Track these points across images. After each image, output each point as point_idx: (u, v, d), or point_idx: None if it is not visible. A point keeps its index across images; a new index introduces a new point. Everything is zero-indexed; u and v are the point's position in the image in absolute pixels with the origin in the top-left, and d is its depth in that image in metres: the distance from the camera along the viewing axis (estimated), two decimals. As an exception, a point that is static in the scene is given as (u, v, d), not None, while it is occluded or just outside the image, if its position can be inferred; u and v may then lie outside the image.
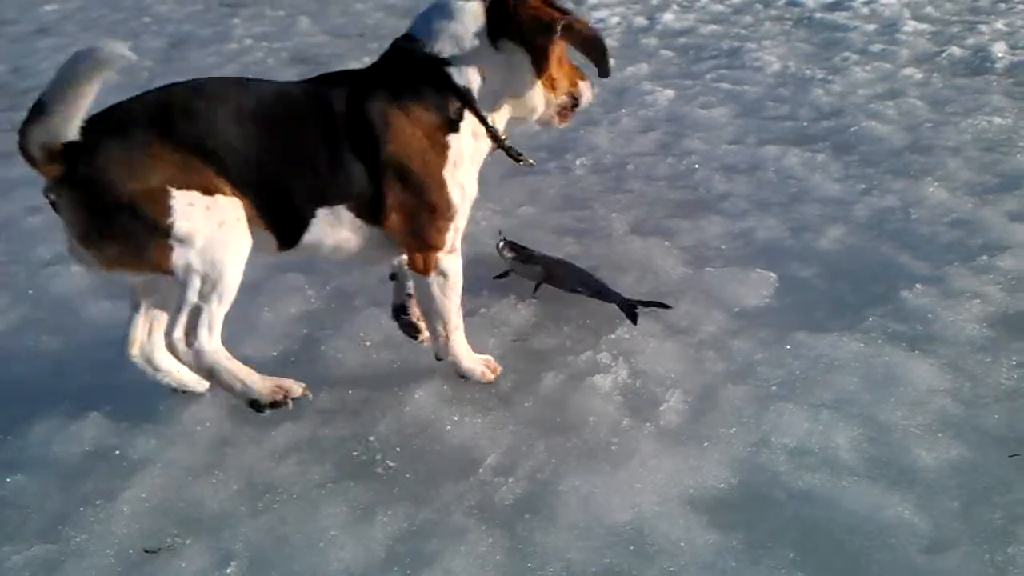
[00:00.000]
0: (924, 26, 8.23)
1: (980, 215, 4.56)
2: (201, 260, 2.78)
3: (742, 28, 8.69)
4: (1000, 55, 7.16)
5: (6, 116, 7.46)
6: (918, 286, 3.88)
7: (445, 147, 2.97)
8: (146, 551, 2.71)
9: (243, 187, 2.85)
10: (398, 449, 3.07)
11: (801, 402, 3.20)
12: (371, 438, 3.12)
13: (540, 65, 3.04)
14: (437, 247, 3.06)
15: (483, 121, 3.06)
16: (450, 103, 2.98)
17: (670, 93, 6.82)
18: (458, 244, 3.15)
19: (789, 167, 5.34)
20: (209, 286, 2.81)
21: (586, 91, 3.37)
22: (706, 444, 3.04)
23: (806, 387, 3.30)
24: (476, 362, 3.37)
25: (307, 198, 2.93)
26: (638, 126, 6.27)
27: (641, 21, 9.15)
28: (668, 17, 9.16)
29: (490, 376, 3.37)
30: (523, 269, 4.06)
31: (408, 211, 2.98)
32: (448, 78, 2.97)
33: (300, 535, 2.73)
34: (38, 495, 2.93)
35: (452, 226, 3.06)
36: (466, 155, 3.04)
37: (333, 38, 9.49)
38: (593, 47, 3.05)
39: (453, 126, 2.99)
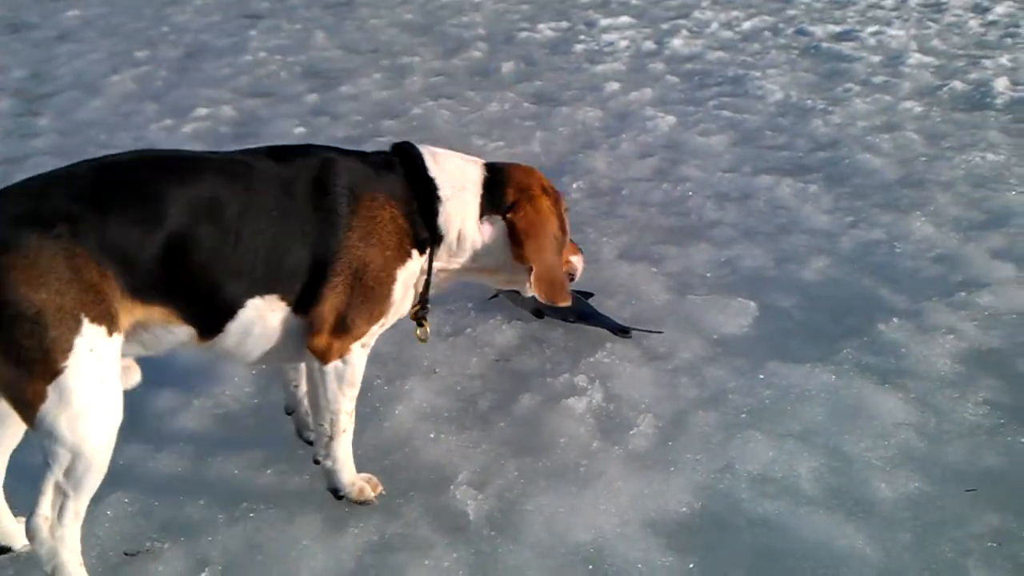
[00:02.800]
0: (929, 59, 8.31)
1: (963, 251, 4.64)
2: (71, 431, 2.31)
3: (749, 55, 8.78)
4: (1001, 91, 7.22)
5: (24, 121, 7.65)
6: (894, 319, 3.96)
7: (407, 255, 2.80)
8: (126, 554, 2.85)
9: (160, 295, 2.49)
10: (374, 463, 3.17)
11: (768, 431, 3.30)
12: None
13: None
14: (355, 337, 2.76)
15: (428, 276, 2.91)
16: (423, 230, 2.83)
17: (671, 119, 6.92)
18: (372, 343, 2.89)
19: (781, 197, 5.44)
20: (80, 467, 2.36)
21: (579, 263, 3.29)
22: (672, 469, 3.13)
23: (775, 416, 3.39)
24: (357, 478, 3.01)
25: (242, 286, 2.58)
26: (637, 151, 6.37)
27: (650, 45, 9.26)
28: (677, 42, 9.27)
29: (369, 495, 3.00)
30: (514, 297, 4.17)
31: (346, 299, 2.69)
32: (434, 214, 2.84)
33: (274, 544, 2.85)
34: (27, 496, 3.03)
35: (381, 321, 2.82)
36: (416, 278, 2.88)
37: (347, 53, 9.63)
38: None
39: (420, 245, 2.83)
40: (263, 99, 8.02)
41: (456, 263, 2.97)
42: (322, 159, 2.74)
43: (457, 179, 2.89)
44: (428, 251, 2.87)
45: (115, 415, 2.42)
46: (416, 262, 2.84)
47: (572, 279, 3.25)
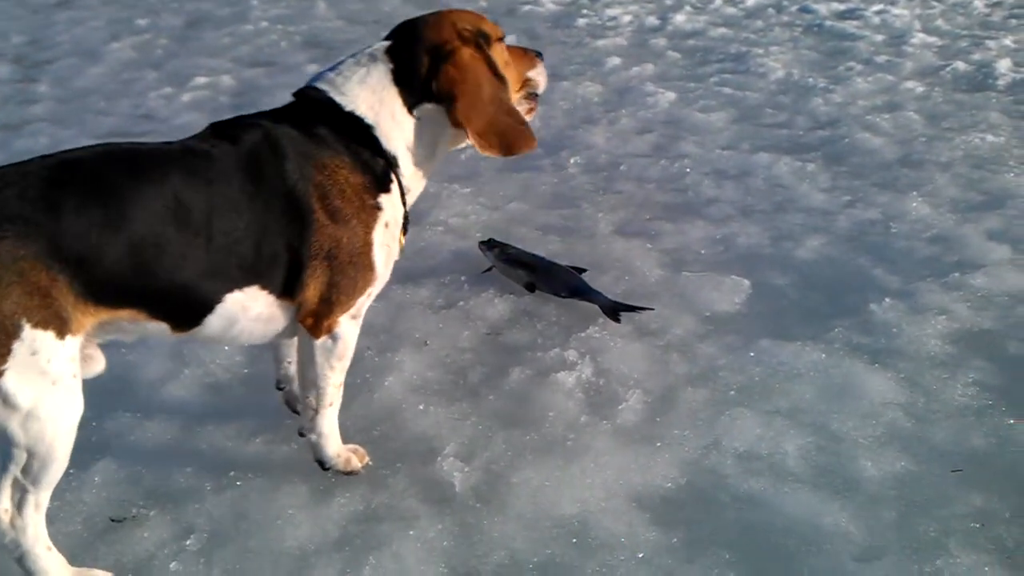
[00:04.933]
0: (932, 39, 8.27)
1: (959, 232, 4.62)
2: (24, 431, 2.27)
3: (752, 33, 8.74)
4: (1004, 72, 7.18)
5: (22, 87, 7.62)
6: (887, 300, 3.96)
7: (377, 208, 2.67)
8: (112, 520, 2.85)
9: (124, 300, 2.39)
10: (363, 434, 3.18)
11: (756, 408, 3.30)
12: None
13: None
14: (344, 310, 2.70)
15: (402, 191, 2.75)
16: (376, 161, 2.67)
17: (671, 95, 6.89)
18: (364, 312, 2.81)
19: (778, 175, 5.42)
20: (36, 464, 2.33)
21: (540, 77, 2.96)
22: (658, 444, 3.14)
23: (763, 394, 3.40)
24: (343, 449, 3.01)
25: (217, 284, 2.49)
26: (636, 127, 6.35)
27: (653, 21, 9.22)
28: (680, 18, 9.22)
29: (356, 465, 3.01)
30: (508, 271, 4.18)
31: (327, 279, 2.62)
32: (376, 142, 2.66)
33: (260, 512, 2.86)
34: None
35: (368, 291, 2.73)
36: (396, 215, 2.75)
37: (348, 23, 9.58)
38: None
39: (383, 185, 2.68)
40: (263, 68, 7.97)
41: (422, 160, 2.78)
42: (264, 135, 2.59)
43: (368, 96, 2.67)
44: (392, 177, 2.70)
45: (70, 414, 2.35)
46: (387, 210, 2.69)
47: (536, 97, 2.97)
